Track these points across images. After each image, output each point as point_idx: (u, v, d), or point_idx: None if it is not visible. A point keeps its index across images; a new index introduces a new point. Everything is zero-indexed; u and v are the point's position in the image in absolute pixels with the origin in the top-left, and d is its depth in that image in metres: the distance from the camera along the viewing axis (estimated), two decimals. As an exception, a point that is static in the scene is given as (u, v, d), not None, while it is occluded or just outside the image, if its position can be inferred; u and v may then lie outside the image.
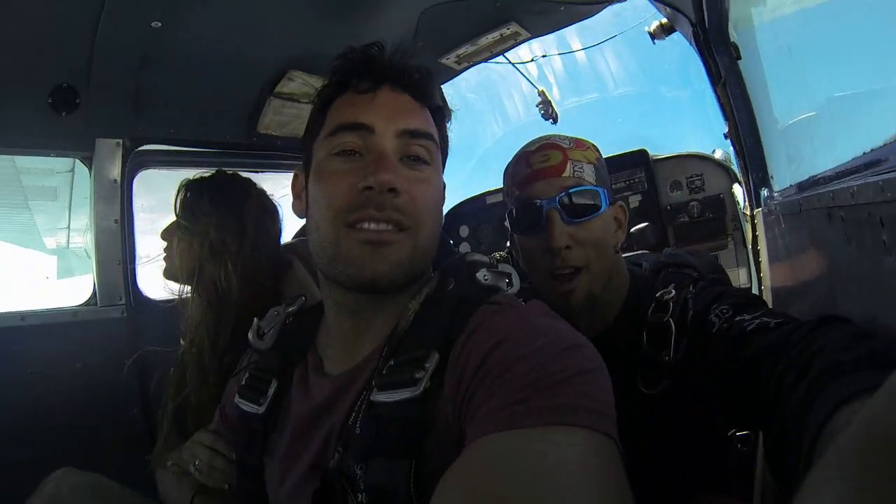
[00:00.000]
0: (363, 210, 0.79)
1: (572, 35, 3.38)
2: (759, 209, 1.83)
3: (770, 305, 1.01)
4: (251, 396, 0.95)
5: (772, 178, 1.77)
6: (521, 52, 2.81)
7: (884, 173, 0.72)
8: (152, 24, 1.56)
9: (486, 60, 2.47)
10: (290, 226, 1.81)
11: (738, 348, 0.86)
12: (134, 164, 1.99)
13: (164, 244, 1.57)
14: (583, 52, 3.99)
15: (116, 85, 1.75)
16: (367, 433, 0.74)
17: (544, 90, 3.21)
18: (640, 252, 1.50)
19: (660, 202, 2.86)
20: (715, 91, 1.90)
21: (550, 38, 2.62)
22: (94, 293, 1.96)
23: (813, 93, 1.42)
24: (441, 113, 0.94)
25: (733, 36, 1.74)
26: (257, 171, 2.39)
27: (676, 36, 2.12)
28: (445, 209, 1.00)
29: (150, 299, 2.09)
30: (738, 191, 2.61)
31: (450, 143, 0.98)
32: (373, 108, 0.84)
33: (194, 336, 1.46)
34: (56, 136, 1.77)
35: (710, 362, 0.93)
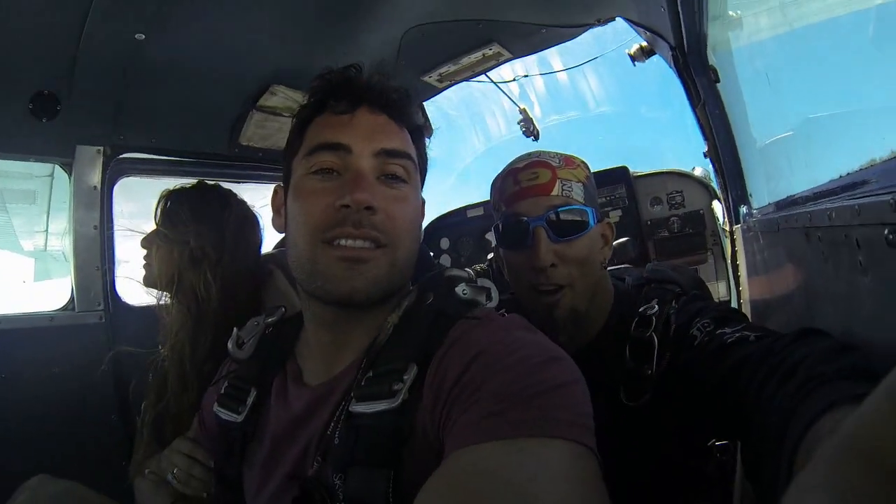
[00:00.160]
0: (340, 227, 0.79)
1: (553, 55, 3.43)
2: (739, 225, 1.87)
3: (749, 318, 1.02)
4: (230, 405, 0.95)
5: (750, 195, 1.81)
6: (503, 71, 2.84)
7: (860, 198, 0.74)
8: (136, 36, 1.57)
9: (468, 79, 2.51)
10: (271, 236, 1.80)
11: (719, 359, 0.88)
12: (114, 171, 1.97)
13: (144, 252, 1.55)
14: (564, 72, 4.05)
15: (98, 93, 1.74)
16: (346, 443, 0.73)
17: (526, 108, 3.26)
18: (622, 266, 1.52)
19: (640, 217, 2.91)
20: (694, 112, 1.95)
21: (532, 58, 2.66)
22: (71, 298, 1.93)
23: (789, 114, 1.46)
24: (420, 132, 0.95)
25: (711, 59, 1.79)
26: (238, 182, 2.39)
27: (656, 58, 2.17)
28: (426, 222, 1.00)
29: (128, 305, 2.06)
30: (718, 207, 2.68)
31: (431, 158, 0.99)
32: (350, 129, 0.84)
33: (174, 343, 1.44)
34: (36, 141, 1.75)
35: (692, 374, 0.94)
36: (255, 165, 2.44)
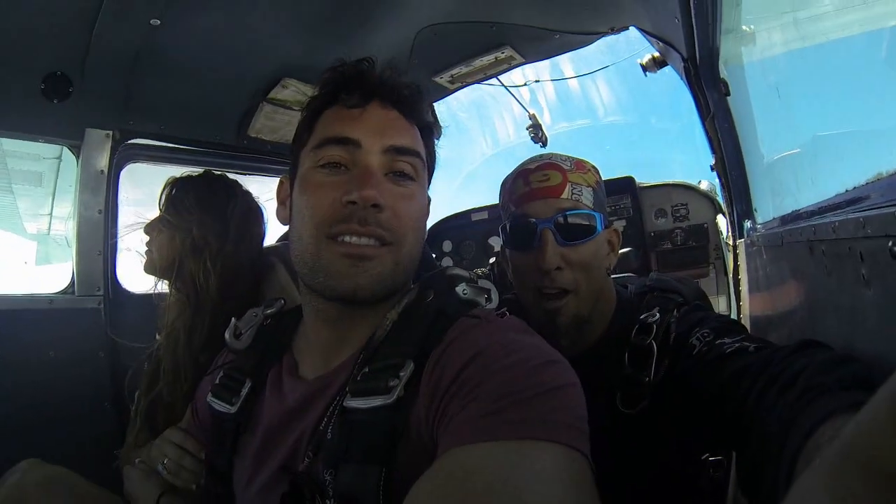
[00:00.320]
0: (346, 224, 0.79)
1: (565, 62, 3.43)
2: (742, 240, 1.86)
3: (750, 333, 1.02)
4: (224, 396, 0.94)
5: (755, 210, 1.81)
6: (514, 75, 2.84)
7: (865, 210, 0.74)
8: (151, 21, 1.57)
9: (479, 82, 2.52)
10: (275, 229, 1.81)
11: (718, 369, 0.87)
12: (122, 156, 1.98)
13: (146, 238, 1.55)
14: (575, 79, 4.05)
15: (111, 77, 1.75)
16: (339, 439, 0.73)
17: (535, 113, 3.25)
18: (626, 274, 1.52)
19: (644, 228, 2.91)
20: (703, 124, 1.94)
21: (544, 63, 2.66)
22: (72, 281, 1.93)
23: (798, 130, 1.46)
24: (430, 130, 0.95)
25: (723, 72, 1.79)
26: (245, 174, 2.39)
27: (668, 70, 2.18)
28: (430, 224, 1.00)
29: (128, 291, 2.06)
30: (722, 221, 2.67)
31: (438, 159, 0.98)
32: (361, 123, 0.84)
33: (170, 331, 1.45)
34: (46, 122, 1.76)
35: (690, 383, 0.94)
36: (262, 158, 2.45)
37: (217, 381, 0.99)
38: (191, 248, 1.45)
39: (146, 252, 1.56)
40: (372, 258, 0.80)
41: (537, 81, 3.35)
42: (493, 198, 3.23)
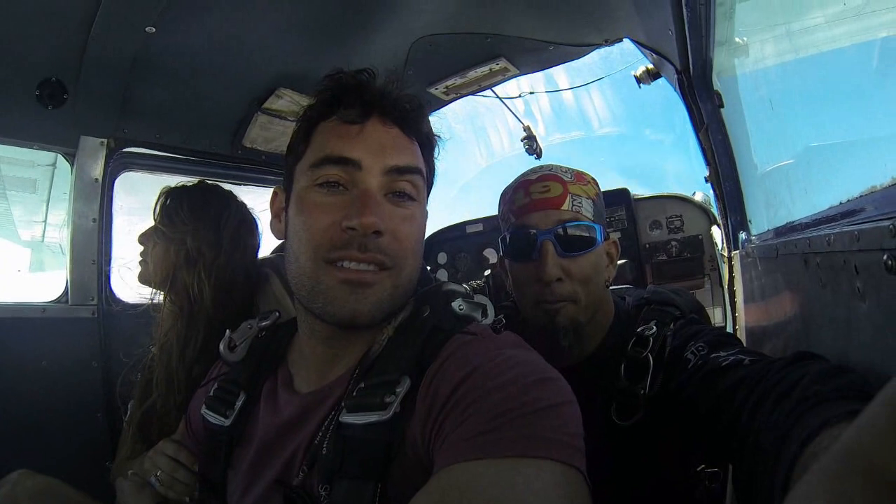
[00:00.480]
0: (345, 250, 0.77)
1: (560, 74, 3.44)
2: (737, 251, 1.87)
3: (744, 345, 1.02)
4: (218, 408, 0.93)
5: (750, 222, 1.82)
6: (509, 87, 2.85)
7: (859, 223, 0.74)
8: (146, 29, 1.57)
9: (474, 93, 2.53)
10: (269, 240, 1.80)
11: (714, 381, 0.87)
12: (117, 164, 1.98)
13: (141, 248, 1.55)
14: (570, 91, 4.08)
15: (106, 84, 1.75)
16: (334, 454, 0.73)
17: (530, 125, 3.26)
18: (623, 286, 1.52)
19: (639, 240, 2.91)
20: (697, 136, 1.95)
21: (538, 75, 2.67)
22: (65, 290, 1.92)
23: (791, 141, 1.47)
24: (430, 143, 0.93)
25: (716, 84, 1.81)
26: (239, 184, 2.39)
27: (661, 81, 2.19)
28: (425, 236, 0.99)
29: (122, 301, 2.04)
30: (717, 233, 2.68)
31: (436, 171, 0.97)
32: (361, 143, 0.81)
33: (164, 342, 1.44)
34: (40, 129, 1.75)
35: (685, 396, 0.94)
36: (257, 168, 2.45)
37: (211, 394, 0.98)
38: (185, 259, 1.44)
39: (140, 262, 1.55)
40: (372, 284, 0.79)
41: (532, 93, 3.36)
42: (487, 209, 3.25)
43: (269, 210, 0.96)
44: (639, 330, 1.11)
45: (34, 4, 1.42)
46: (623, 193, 2.96)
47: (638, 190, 3.02)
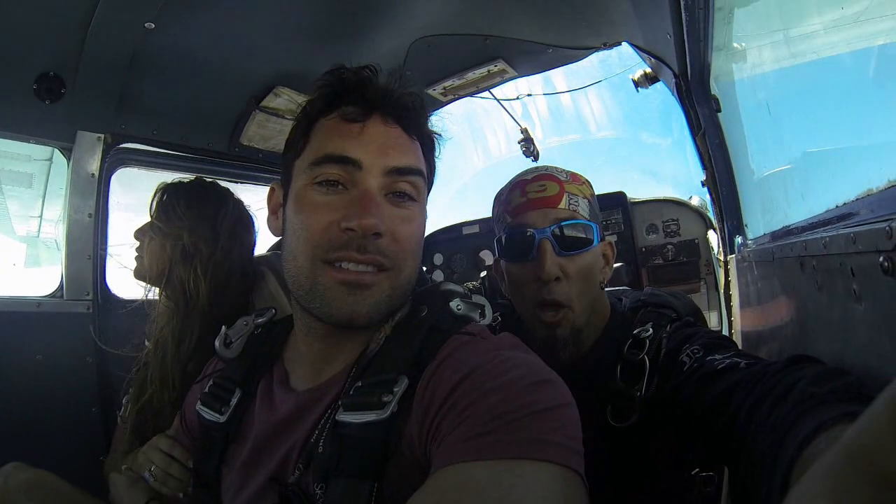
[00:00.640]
0: (344, 251, 0.77)
1: (558, 76, 3.46)
2: (733, 255, 1.88)
3: (740, 349, 1.02)
4: (213, 405, 0.93)
5: (746, 226, 1.82)
6: (507, 89, 2.86)
7: (855, 226, 0.74)
8: (146, 25, 1.57)
9: (471, 95, 2.54)
10: (265, 238, 1.80)
11: (710, 384, 0.87)
12: (114, 160, 1.97)
13: (136, 244, 1.54)
14: (567, 94, 4.08)
15: (104, 80, 1.74)
16: (330, 453, 0.72)
17: (527, 127, 3.27)
18: (621, 288, 1.52)
19: (635, 244, 2.91)
20: (694, 140, 1.96)
21: (536, 77, 2.68)
22: (60, 285, 1.91)
23: (788, 146, 1.47)
24: (431, 143, 0.92)
25: (714, 89, 1.81)
26: (236, 182, 2.38)
27: (659, 85, 2.20)
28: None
29: (117, 297, 2.04)
30: (713, 237, 2.69)
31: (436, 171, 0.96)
32: (361, 142, 0.80)
33: (159, 338, 1.43)
34: (37, 123, 1.75)
35: (681, 399, 0.94)
36: (254, 166, 2.44)
37: (206, 390, 0.97)
38: (181, 255, 1.44)
39: (136, 258, 1.55)
40: (370, 286, 0.78)
41: (529, 95, 3.37)
42: (484, 211, 3.25)
43: (265, 207, 0.95)
44: (635, 332, 1.11)
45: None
46: (619, 196, 2.96)
47: (634, 193, 3.03)
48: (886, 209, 0.71)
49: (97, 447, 1.84)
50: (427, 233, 0.89)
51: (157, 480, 1.00)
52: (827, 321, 0.87)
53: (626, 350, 1.10)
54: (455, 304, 0.84)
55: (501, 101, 3.05)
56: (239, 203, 1.60)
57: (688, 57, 1.74)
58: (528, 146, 3.27)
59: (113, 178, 2.00)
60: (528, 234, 1.13)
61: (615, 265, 2.50)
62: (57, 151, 1.91)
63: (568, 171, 1.21)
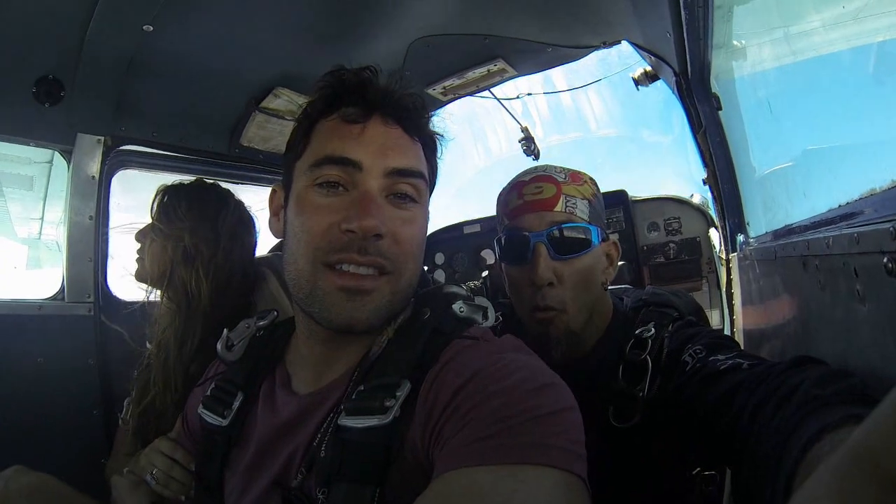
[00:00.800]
0: (345, 253, 0.76)
1: (558, 75, 3.46)
2: (735, 254, 1.87)
3: (742, 348, 1.02)
4: (216, 408, 0.93)
5: (748, 224, 1.82)
6: (507, 88, 2.85)
7: (858, 226, 0.74)
8: (144, 27, 1.56)
9: (471, 94, 2.53)
10: (267, 239, 1.80)
11: (712, 385, 0.87)
12: (114, 162, 1.97)
13: (138, 245, 1.55)
14: (568, 92, 4.08)
15: (103, 82, 1.74)
16: (332, 457, 0.72)
17: (527, 126, 3.27)
18: (622, 287, 1.52)
19: (637, 242, 2.91)
20: (695, 138, 1.95)
21: (536, 76, 2.67)
22: (62, 288, 1.92)
23: (789, 144, 1.47)
24: (433, 143, 0.91)
25: (714, 87, 1.81)
26: (237, 183, 2.38)
27: (660, 84, 2.19)
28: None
29: (118, 299, 2.04)
30: (714, 235, 2.68)
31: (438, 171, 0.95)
32: (362, 143, 0.80)
33: (161, 340, 1.44)
34: (37, 126, 1.75)
35: (683, 400, 0.94)
36: (254, 167, 2.44)
37: (208, 393, 0.97)
38: (182, 256, 1.44)
39: (137, 260, 1.55)
40: (370, 292, 0.77)
41: (530, 94, 3.37)
42: (485, 210, 3.25)
43: (266, 209, 0.95)
44: (637, 332, 1.11)
45: (32, 2, 1.42)
46: (621, 195, 2.96)
47: (636, 191, 3.02)
48: (890, 209, 0.70)
49: (99, 450, 1.84)
50: (428, 232, 0.89)
51: (159, 483, 0.99)
52: (830, 321, 0.86)
53: (628, 350, 1.09)
54: (458, 307, 0.84)
55: (501, 101, 3.04)
56: (240, 204, 1.61)
57: (688, 55, 1.73)
58: (529, 145, 3.27)
59: (113, 180, 2.00)
60: (524, 237, 1.13)
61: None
62: (57, 154, 1.91)
63: (568, 171, 1.19)
